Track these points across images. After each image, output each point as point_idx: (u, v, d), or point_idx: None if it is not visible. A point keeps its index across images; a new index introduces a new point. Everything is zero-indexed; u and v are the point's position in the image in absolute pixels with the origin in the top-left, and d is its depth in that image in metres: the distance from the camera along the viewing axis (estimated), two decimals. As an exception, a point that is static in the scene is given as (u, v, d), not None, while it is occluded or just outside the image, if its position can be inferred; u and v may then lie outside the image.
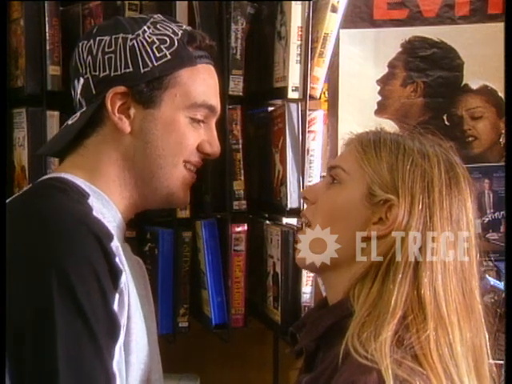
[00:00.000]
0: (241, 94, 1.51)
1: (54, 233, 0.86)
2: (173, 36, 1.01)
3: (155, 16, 1.05)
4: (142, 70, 0.99)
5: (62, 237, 0.86)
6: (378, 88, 1.79)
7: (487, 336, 0.94)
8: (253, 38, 1.54)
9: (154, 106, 1.00)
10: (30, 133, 1.49)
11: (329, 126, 1.76)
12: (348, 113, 1.77)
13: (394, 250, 0.91)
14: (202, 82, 1.03)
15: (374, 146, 0.97)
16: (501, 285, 1.43)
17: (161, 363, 1.08)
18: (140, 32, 1.00)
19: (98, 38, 1.01)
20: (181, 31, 1.03)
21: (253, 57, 1.55)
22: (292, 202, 1.41)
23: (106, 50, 1.00)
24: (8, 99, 1.44)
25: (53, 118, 1.49)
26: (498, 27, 1.68)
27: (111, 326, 0.86)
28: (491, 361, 0.95)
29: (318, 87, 1.46)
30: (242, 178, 1.53)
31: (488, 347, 0.94)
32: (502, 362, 1.18)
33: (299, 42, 1.39)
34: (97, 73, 1.00)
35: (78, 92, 1.03)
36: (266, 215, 1.61)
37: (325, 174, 1.09)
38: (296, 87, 1.40)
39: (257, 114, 1.60)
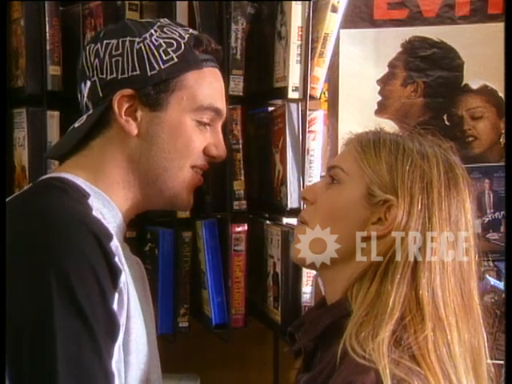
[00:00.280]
0: (241, 93, 1.51)
1: (54, 232, 0.86)
2: (179, 39, 1.01)
3: (162, 20, 1.05)
4: (149, 73, 0.99)
5: (62, 237, 0.86)
6: (378, 88, 1.78)
7: (485, 336, 0.94)
8: (253, 37, 1.54)
9: (161, 109, 1.00)
10: (30, 133, 1.49)
11: (329, 126, 1.76)
12: (348, 113, 1.77)
13: (393, 250, 0.91)
14: (208, 85, 1.03)
15: (373, 146, 0.97)
16: (501, 285, 1.43)
17: (160, 363, 1.07)
18: (147, 35, 1.00)
19: (105, 42, 1.01)
20: (187, 35, 1.03)
21: (253, 57, 1.55)
22: (292, 201, 1.41)
23: (114, 53, 1.00)
24: (8, 99, 1.44)
25: (53, 117, 1.49)
26: (498, 27, 1.67)
27: (110, 326, 0.86)
28: (490, 361, 0.95)
29: (318, 87, 1.46)
30: (243, 177, 1.53)
31: (486, 348, 0.94)
32: (501, 362, 1.18)
33: (299, 42, 1.40)
34: (104, 76, 1.00)
35: (85, 95, 1.03)
36: (266, 215, 1.62)
37: (325, 173, 1.09)
38: (296, 87, 1.41)
39: (257, 114, 1.60)
